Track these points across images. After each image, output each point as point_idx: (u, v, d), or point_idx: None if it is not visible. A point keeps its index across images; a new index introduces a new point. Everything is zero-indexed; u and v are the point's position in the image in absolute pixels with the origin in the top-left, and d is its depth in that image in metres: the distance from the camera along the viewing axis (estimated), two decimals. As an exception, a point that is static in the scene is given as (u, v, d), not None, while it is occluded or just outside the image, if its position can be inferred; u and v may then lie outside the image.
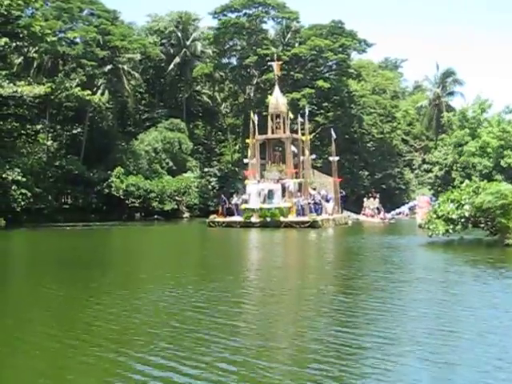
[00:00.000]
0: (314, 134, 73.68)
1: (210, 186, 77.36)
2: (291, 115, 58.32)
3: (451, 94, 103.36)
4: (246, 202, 54.22)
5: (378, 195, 66.63)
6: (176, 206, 71.97)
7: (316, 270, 22.91)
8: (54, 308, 15.36)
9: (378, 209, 63.51)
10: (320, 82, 78.02)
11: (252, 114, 57.90)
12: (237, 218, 53.86)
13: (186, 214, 73.85)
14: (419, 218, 41.91)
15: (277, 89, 60.13)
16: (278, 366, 9.64)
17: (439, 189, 76.87)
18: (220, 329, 12.12)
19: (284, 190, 53.68)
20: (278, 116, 57.92)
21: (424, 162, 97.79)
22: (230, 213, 56.49)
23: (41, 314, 14.58)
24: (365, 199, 66.44)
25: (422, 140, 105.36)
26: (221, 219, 54.35)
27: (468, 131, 79.54)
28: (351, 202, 78.29)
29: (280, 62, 65.64)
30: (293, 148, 56.07)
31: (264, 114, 62.36)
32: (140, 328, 12.43)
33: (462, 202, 30.01)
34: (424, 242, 31.52)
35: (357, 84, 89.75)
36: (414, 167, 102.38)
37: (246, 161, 59.12)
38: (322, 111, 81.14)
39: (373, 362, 9.73)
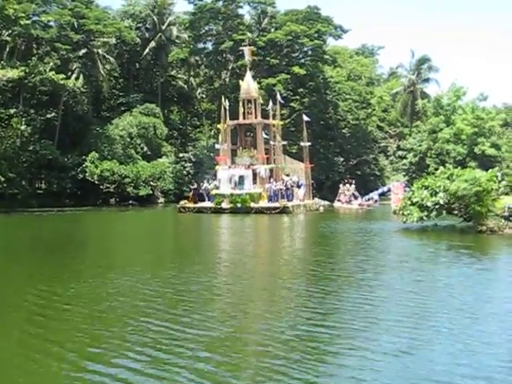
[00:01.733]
0: (288, 120, 73.71)
1: (184, 172, 76.99)
2: (261, 101, 57.86)
3: (426, 80, 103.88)
4: (216, 187, 54.15)
5: (353, 181, 66.56)
6: (151, 192, 71.68)
7: (288, 257, 23.01)
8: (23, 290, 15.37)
9: (353, 195, 63.36)
10: (295, 68, 77.82)
11: (223, 100, 57.50)
12: (207, 204, 53.93)
13: (161, 200, 73.60)
14: (393, 205, 42.19)
15: (248, 74, 59.77)
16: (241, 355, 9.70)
17: (413, 175, 77.24)
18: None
19: (255, 175, 53.53)
20: (249, 101, 57.38)
21: (399, 148, 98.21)
22: (201, 198, 56.46)
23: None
24: (340, 185, 66.25)
25: (396, 126, 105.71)
26: (191, 205, 54.35)
27: (443, 118, 79.93)
28: (326, 188, 78.52)
29: (252, 48, 65.30)
30: (264, 134, 55.78)
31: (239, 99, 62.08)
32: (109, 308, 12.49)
33: (436, 190, 30.21)
34: (398, 228, 31.75)
35: (332, 70, 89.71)
36: (388, 154, 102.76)
37: (217, 146, 58.97)
38: (297, 97, 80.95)
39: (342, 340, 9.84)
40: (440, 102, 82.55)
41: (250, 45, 67.08)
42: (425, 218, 30.41)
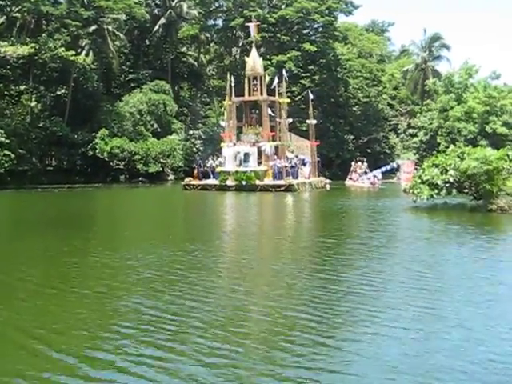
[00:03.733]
0: (299, 97, 73.44)
1: (194, 149, 76.89)
2: (270, 78, 57.22)
3: (438, 58, 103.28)
4: (221, 164, 53.91)
5: (365, 159, 65.99)
6: (161, 169, 71.65)
7: (296, 234, 22.99)
8: (41, 265, 15.46)
9: (365, 173, 62.45)
10: (306, 45, 77.48)
11: (228, 76, 57.30)
12: (212, 181, 53.66)
13: (171, 177, 73.53)
14: (404, 183, 42.05)
15: (254, 51, 58.90)
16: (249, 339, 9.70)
17: (424, 153, 76.83)
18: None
19: (260, 153, 53.15)
20: (255, 78, 56.64)
21: (409, 126, 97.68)
22: (205, 176, 56.32)
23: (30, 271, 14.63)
24: (352, 163, 65.52)
25: (407, 104, 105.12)
26: (196, 182, 53.99)
27: (453, 96, 79.42)
28: (336, 165, 78.40)
29: (257, 23, 64.61)
30: (269, 111, 55.30)
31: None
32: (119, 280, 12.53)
33: (447, 168, 30.09)
34: (408, 207, 31.66)
35: (343, 47, 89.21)
36: (399, 132, 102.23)
37: (221, 123, 58.70)
38: (307, 74, 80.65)
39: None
40: (451, 80, 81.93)
41: (260, 21, 66.60)
42: (435, 196, 30.34)
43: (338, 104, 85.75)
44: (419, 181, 31.23)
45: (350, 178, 62.49)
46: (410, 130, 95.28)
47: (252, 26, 62.41)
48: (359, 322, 10.12)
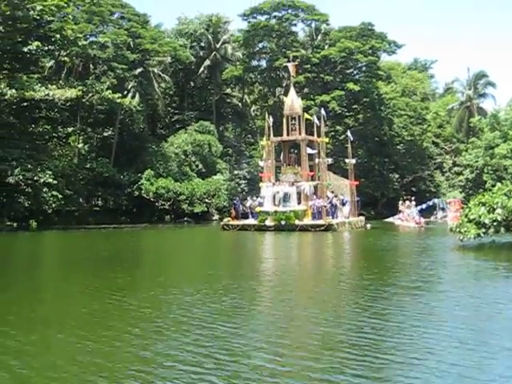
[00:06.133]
0: (343, 136, 73.44)
1: (239, 189, 77.26)
2: (309, 117, 57.09)
3: (483, 96, 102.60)
4: (260, 204, 53.54)
5: (413, 198, 65.25)
6: (206, 209, 72.07)
7: (341, 270, 22.80)
8: (90, 306, 15.56)
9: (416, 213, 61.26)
10: (350, 85, 77.64)
11: (267, 116, 57.40)
12: (251, 221, 53.36)
13: (216, 217, 73.83)
14: (450, 222, 41.53)
15: (292, 90, 58.86)
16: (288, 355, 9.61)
17: (470, 192, 76.02)
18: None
19: (299, 192, 52.65)
20: (293, 118, 56.59)
21: (455, 164, 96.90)
22: (244, 216, 56.22)
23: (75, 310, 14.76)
24: (400, 202, 64.97)
25: (452, 142, 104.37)
26: (235, 222, 53.54)
27: (499, 133, 78.66)
28: (381, 204, 77.99)
29: (295, 63, 64.66)
30: (309, 150, 54.87)
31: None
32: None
33: (494, 206, 29.69)
34: (454, 245, 31.22)
35: (386, 86, 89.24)
36: (444, 170, 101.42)
37: (260, 163, 58.72)
38: (351, 113, 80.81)
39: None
40: (497, 117, 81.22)
41: (303, 62, 66.83)
42: (482, 234, 29.88)
43: (383, 143, 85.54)
44: (466, 219, 30.82)
45: (399, 218, 61.56)
46: (456, 168, 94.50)
47: (290, 66, 62.51)
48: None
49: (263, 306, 15.58)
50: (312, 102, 73.05)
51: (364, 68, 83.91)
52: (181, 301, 16.04)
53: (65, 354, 10.99)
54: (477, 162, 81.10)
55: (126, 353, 10.83)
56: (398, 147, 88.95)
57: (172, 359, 10.36)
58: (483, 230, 29.62)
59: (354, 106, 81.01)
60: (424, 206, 63.97)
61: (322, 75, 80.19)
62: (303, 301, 16.66)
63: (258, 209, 53.08)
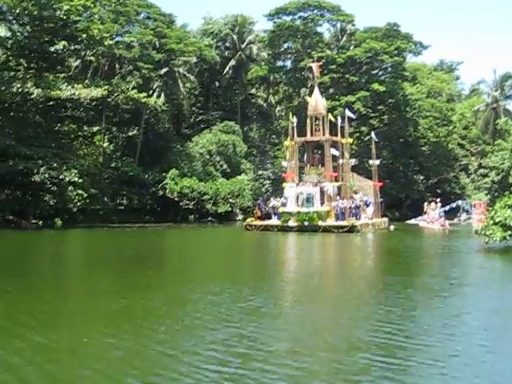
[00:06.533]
0: (368, 137, 73.14)
1: (263, 189, 77.22)
2: (332, 118, 56.83)
3: (509, 97, 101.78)
4: (284, 205, 53.40)
5: (438, 199, 64.75)
6: (230, 209, 72.06)
7: (365, 276, 22.73)
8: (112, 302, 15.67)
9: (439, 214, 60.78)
10: (375, 85, 77.24)
11: (290, 116, 57.25)
12: (274, 222, 53.29)
13: (240, 217, 73.83)
14: (475, 224, 41.27)
15: (316, 91, 58.67)
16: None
17: (496, 194, 75.33)
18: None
19: (323, 193, 52.50)
20: (317, 118, 56.47)
21: (480, 166, 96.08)
22: (268, 216, 56.11)
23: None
24: (425, 204, 64.54)
25: (478, 144, 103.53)
26: (258, 223, 53.46)
27: (526, 135, 78.01)
28: (406, 206, 77.58)
29: (319, 64, 64.35)
30: (333, 151, 54.68)
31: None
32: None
33: (520, 208, 29.47)
34: (480, 248, 30.99)
35: (412, 87, 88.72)
36: (469, 172, 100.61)
37: (283, 164, 58.57)
38: (376, 114, 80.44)
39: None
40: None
41: (328, 62, 66.55)
42: (508, 237, 29.65)
43: (408, 144, 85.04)
44: (491, 222, 30.59)
45: (424, 220, 61.11)
46: (481, 170, 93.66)
47: (314, 66, 62.31)
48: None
49: (289, 306, 15.62)
50: (337, 103, 72.77)
51: (389, 69, 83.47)
52: (206, 299, 16.12)
53: (91, 350, 11.07)
54: (503, 164, 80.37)
55: (152, 350, 10.90)
56: (423, 148, 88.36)
57: (199, 358, 10.40)
58: (509, 233, 29.42)
59: (379, 107, 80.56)
60: (447, 207, 63.55)
61: (347, 76, 79.90)
62: (329, 301, 16.67)
63: (281, 209, 53.02)
